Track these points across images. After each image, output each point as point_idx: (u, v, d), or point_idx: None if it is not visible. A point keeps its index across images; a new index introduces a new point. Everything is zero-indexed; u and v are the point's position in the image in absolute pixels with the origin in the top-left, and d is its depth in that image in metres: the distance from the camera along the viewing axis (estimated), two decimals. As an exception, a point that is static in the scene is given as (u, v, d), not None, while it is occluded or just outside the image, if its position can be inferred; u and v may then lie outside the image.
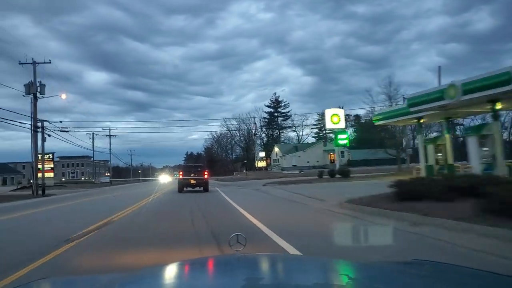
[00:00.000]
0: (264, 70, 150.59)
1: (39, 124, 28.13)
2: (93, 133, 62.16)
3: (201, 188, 23.30)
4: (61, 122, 64.84)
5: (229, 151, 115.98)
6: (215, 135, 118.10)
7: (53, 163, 52.93)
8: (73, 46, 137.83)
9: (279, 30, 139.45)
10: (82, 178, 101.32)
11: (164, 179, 75.29)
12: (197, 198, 18.62)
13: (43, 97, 27.67)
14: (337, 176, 30.33)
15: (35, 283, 1.67)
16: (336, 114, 33.91)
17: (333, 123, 33.77)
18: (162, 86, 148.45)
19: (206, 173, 23.81)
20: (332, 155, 61.55)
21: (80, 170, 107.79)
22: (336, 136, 34.99)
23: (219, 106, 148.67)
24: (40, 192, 28.74)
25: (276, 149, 78.03)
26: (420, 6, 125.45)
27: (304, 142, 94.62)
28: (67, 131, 37.96)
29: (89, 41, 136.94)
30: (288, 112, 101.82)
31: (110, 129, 67.17)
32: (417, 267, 1.59)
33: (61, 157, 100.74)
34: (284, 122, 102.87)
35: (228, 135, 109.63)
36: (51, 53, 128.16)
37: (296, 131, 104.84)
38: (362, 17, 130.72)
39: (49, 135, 29.00)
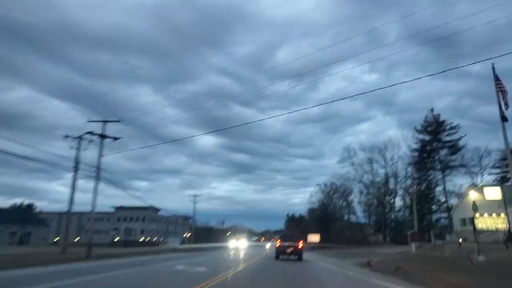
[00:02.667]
0: (369, 132, 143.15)
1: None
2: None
3: (296, 257, 23.80)
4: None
5: (344, 209, 76.44)
6: (325, 188, 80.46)
7: None
8: (186, 111, 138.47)
9: (385, 91, 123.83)
10: (144, 238, 72.35)
11: (241, 244, 45.44)
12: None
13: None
14: None
15: None
16: None
17: None
18: (266, 149, 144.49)
19: (300, 242, 24.32)
20: None
21: (147, 226, 79.13)
22: None
23: (321, 169, 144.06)
24: None
25: (489, 193, 36.13)
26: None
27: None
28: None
29: (201, 107, 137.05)
30: (458, 140, 60.22)
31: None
32: None
33: (118, 207, 74.63)
34: (451, 158, 60.65)
35: (350, 181, 71.01)
36: (168, 118, 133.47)
37: (470, 174, 61.64)
38: (478, 76, 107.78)
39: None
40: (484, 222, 25.77)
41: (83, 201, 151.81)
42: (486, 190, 27.17)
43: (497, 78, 15.52)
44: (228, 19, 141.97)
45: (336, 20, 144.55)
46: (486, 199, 25.64)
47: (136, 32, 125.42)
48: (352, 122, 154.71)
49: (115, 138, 25.90)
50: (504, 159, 58.57)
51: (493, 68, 15.77)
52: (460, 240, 25.74)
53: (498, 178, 57.97)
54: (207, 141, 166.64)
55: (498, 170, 58.59)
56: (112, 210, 75.50)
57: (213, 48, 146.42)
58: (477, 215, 23.78)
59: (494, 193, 25.37)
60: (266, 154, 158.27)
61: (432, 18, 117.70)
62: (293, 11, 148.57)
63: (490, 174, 59.59)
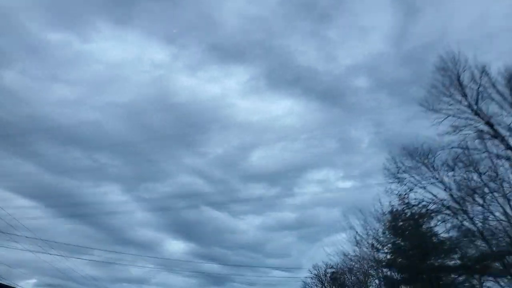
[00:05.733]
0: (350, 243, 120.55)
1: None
2: None
3: None
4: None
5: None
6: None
7: None
8: (155, 213, 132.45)
9: (361, 198, 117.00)
10: None
11: None
12: None
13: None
14: None
15: None
16: None
17: None
18: (239, 257, 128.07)
19: None
20: None
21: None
22: None
23: (299, 284, 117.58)
24: None
25: None
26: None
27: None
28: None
29: (170, 208, 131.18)
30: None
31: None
32: None
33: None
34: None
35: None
36: (136, 220, 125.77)
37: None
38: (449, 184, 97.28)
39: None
40: None
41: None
42: None
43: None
44: (202, 121, 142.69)
45: (308, 125, 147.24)
46: None
47: (108, 130, 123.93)
48: (330, 231, 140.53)
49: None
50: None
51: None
52: None
53: None
54: (176, 246, 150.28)
55: None
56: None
57: (186, 149, 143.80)
58: None
59: None
60: (240, 264, 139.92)
61: (403, 127, 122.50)
62: (266, 116, 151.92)
63: None
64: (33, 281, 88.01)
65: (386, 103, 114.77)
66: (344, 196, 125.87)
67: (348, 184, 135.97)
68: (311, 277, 56.97)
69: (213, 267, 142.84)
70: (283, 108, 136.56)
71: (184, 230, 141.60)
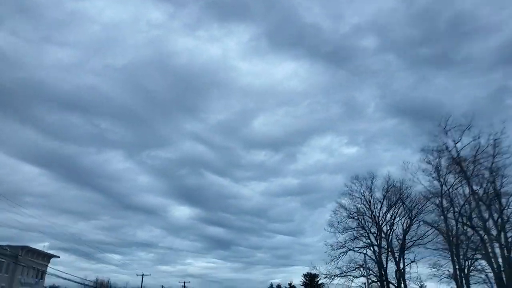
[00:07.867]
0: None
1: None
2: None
3: None
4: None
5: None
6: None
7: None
8: (159, 179, 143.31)
9: (365, 164, 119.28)
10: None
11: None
12: None
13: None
14: None
15: None
16: None
17: None
18: (243, 223, 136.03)
19: None
20: None
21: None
22: None
23: (303, 247, 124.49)
24: None
25: None
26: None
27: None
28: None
29: (174, 175, 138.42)
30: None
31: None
32: None
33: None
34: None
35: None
36: (140, 186, 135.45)
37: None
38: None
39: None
40: None
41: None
42: None
43: None
44: (202, 85, 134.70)
45: (312, 89, 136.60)
46: None
47: (106, 95, 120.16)
48: (332, 196, 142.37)
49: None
50: None
51: None
52: None
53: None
54: (182, 212, 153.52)
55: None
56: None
57: (187, 114, 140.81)
58: None
59: None
60: (244, 229, 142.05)
61: (411, 91, 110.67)
62: (268, 79, 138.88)
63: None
64: (46, 243, 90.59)
65: (394, 65, 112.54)
66: (347, 161, 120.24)
67: (352, 150, 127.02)
68: (350, 197, 43.42)
69: (218, 232, 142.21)
70: (285, 71, 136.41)
71: (189, 196, 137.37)
